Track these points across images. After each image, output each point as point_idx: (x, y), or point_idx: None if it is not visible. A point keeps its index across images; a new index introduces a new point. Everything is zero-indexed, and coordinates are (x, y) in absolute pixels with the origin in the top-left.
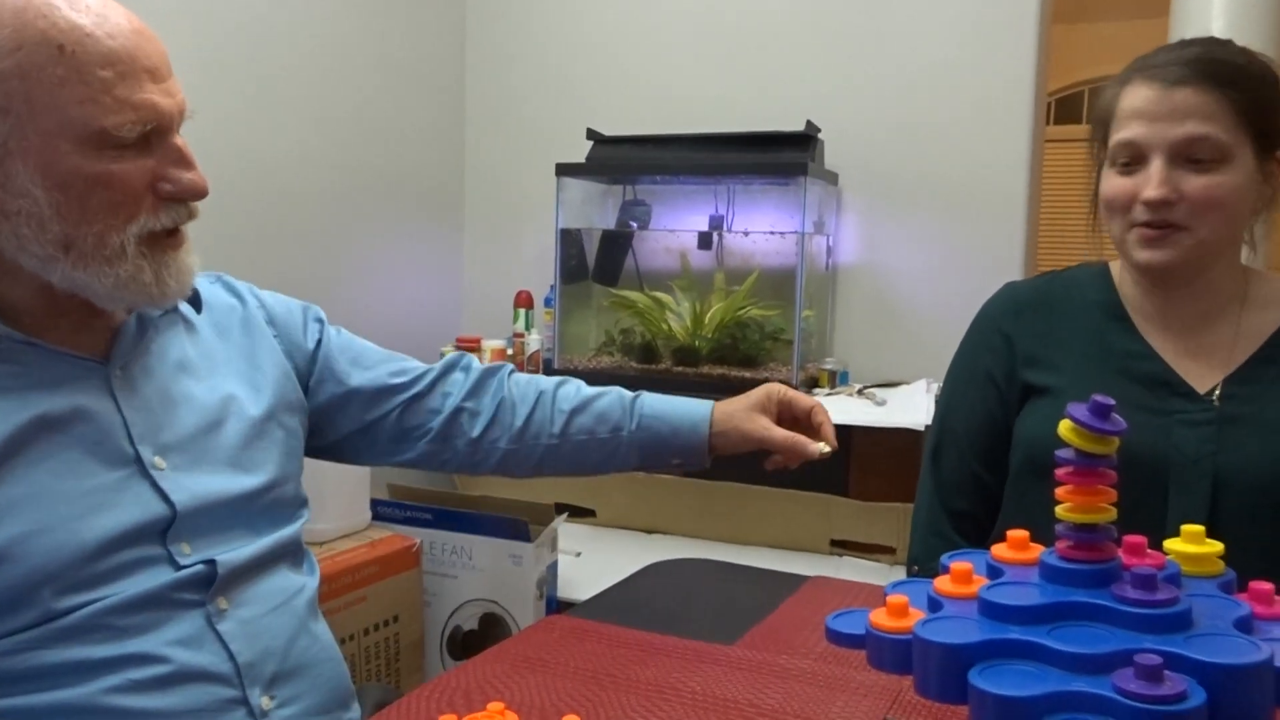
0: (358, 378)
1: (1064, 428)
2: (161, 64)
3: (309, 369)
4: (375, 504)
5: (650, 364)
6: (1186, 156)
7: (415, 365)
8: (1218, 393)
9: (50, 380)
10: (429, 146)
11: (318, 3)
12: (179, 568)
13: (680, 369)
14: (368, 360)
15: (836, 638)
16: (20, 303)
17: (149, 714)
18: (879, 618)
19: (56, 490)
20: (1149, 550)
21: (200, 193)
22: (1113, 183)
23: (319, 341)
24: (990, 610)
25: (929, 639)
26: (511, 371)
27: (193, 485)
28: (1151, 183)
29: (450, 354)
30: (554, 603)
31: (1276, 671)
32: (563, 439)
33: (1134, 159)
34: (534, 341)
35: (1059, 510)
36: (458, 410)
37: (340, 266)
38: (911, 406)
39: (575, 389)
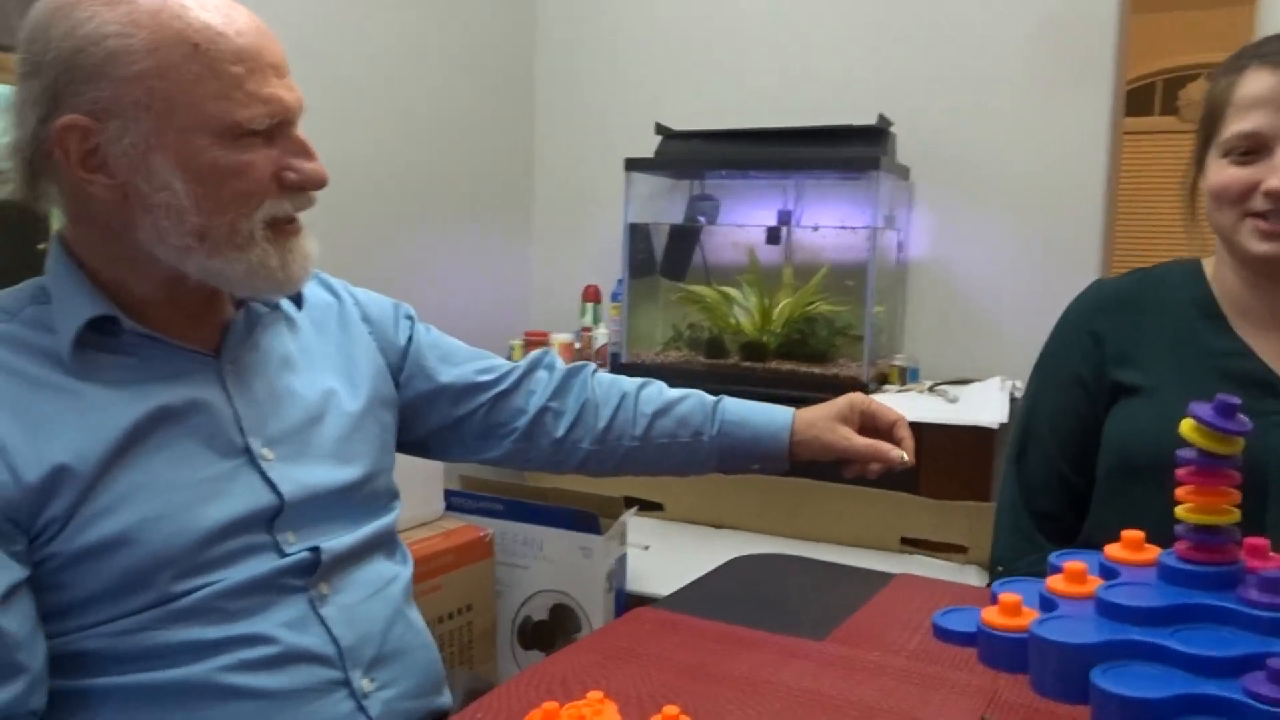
0: (447, 374)
1: (1186, 427)
2: (282, 60)
3: (400, 365)
4: (448, 494)
5: (718, 359)
6: None
7: (502, 363)
8: None
9: (169, 373)
10: (498, 141)
11: (388, 0)
12: (284, 555)
13: (748, 364)
14: (456, 357)
15: (945, 635)
16: (145, 296)
17: (259, 693)
18: (991, 616)
19: (174, 479)
20: (1272, 553)
21: (322, 181)
22: (1226, 173)
23: (410, 338)
24: (1109, 610)
25: (1048, 638)
26: (594, 371)
27: (299, 476)
28: (1277, 173)
29: (534, 352)
30: (623, 595)
31: None
32: (644, 441)
33: (1253, 148)
34: (601, 336)
35: (1179, 511)
36: (543, 410)
37: (410, 261)
38: (984, 404)
39: (657, 391)
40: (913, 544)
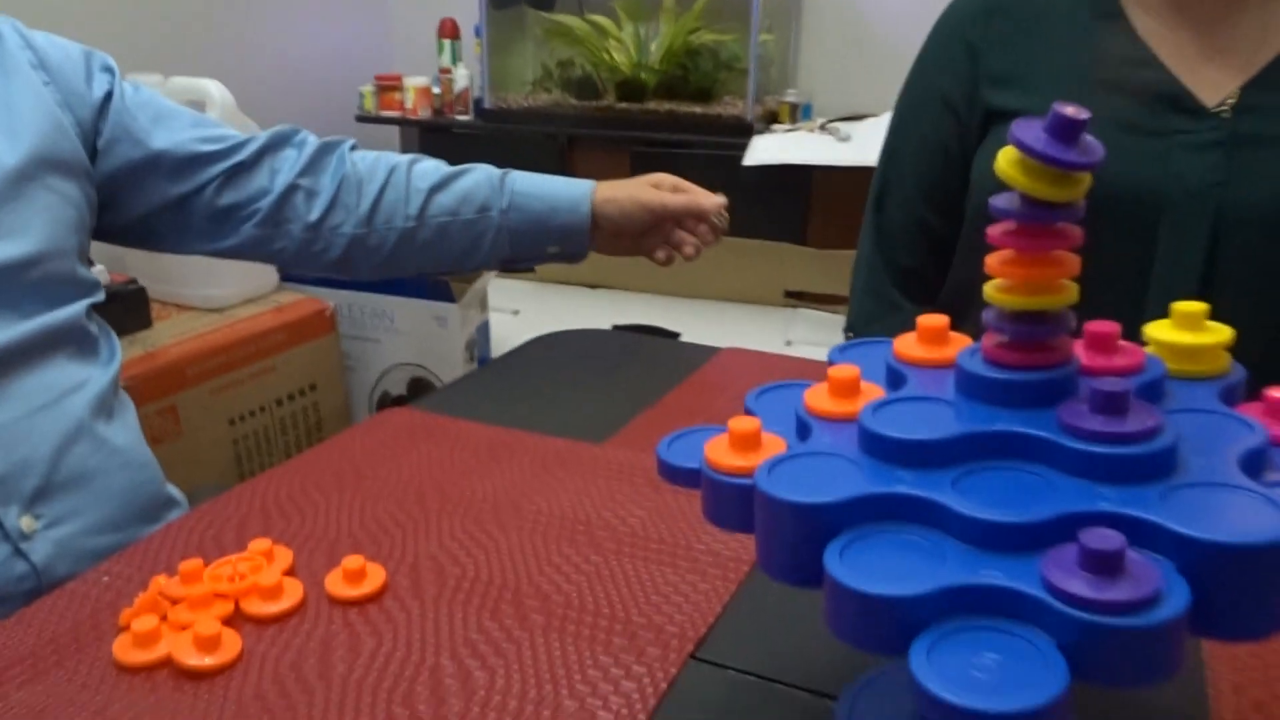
0: (161, 139)
1: (1004, 159)
2: None
3: (96, 124)
4: None
5: (591, 100)
6: None
7: (234, 133)
8: (1232, 104)
9: None
10: None
11: None
12: None
13: (624, 105)
14: (174, 122)
15: (671, 473)
16: None
17: None
18: (716, 450)
19: None
20: (1123, 342)
21: None
22: None
23: (109, 94)
24: (872, 445)
25: (775, 496)
26: (354, 146)
27: None
28: None
29: (279, 127)
30: (487, 365)
31: None
32: (420, 222)
33: None
34: (462, 77)
35: (988, 289)
36: (291, 188)
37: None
38: (877, 142)
39: (434, 165)
40: (798, 297)
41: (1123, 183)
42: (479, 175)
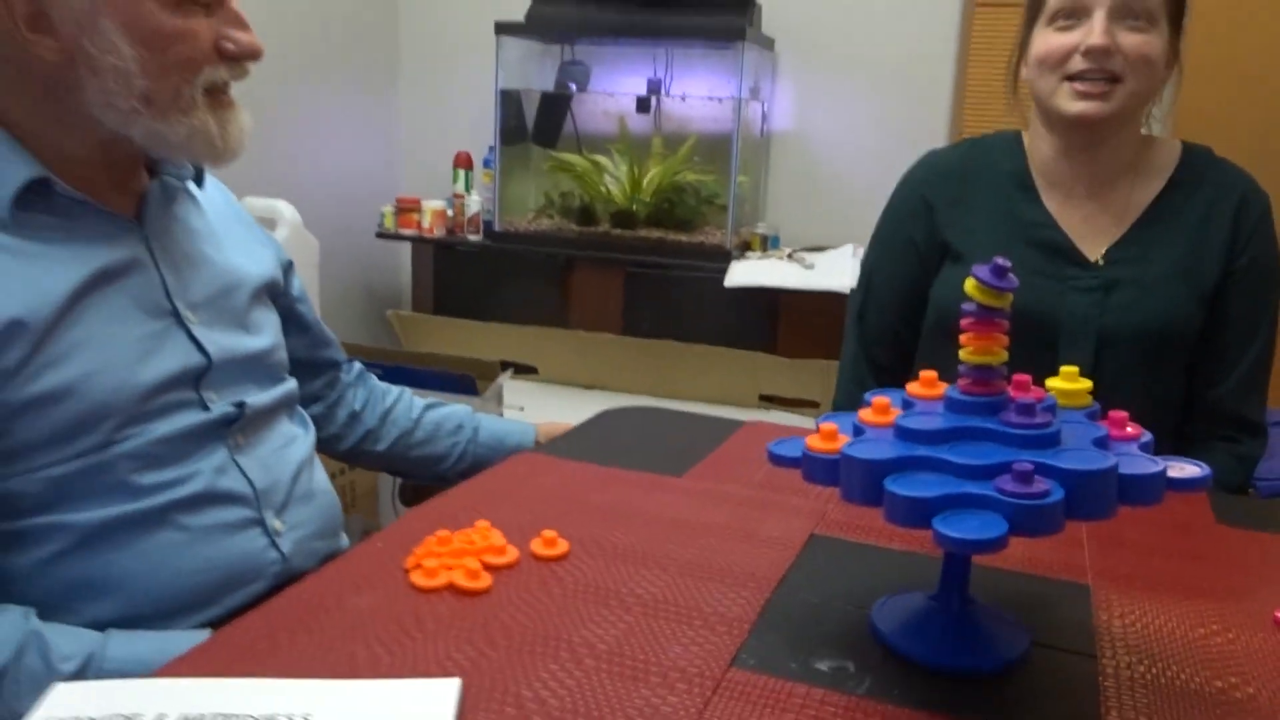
0: (328, 333)
1: (968, 284)
2: None
3: (287, 280)
4: None
5: (589, 226)
6: (1125, 15)
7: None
8: (1105, 258)
9: (99, 235)
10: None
11: None
12: (208, 409)
13: (618, 232)
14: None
15: (778, 459)
16: (75, 159)
17: (186, 528)
18: (814, 441)
19: (113, 336)
20: (1032, 387)
21: (256, 53)
22: (1050, 40)
23: (290, 268)
24: (903, 434)
25: (854, 456)
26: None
27: (219, 339)
28: (1095, 32)
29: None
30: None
31: (1119, 476)
32: (415, 425)
33: (1074, 14)
34: (474, 203)
35: (961, 353)
36: (350, 385)
37: (269, 124)
38: (837, 270)
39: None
40: (770, 400)
41: (1032, 311)
42: (459, 406)
